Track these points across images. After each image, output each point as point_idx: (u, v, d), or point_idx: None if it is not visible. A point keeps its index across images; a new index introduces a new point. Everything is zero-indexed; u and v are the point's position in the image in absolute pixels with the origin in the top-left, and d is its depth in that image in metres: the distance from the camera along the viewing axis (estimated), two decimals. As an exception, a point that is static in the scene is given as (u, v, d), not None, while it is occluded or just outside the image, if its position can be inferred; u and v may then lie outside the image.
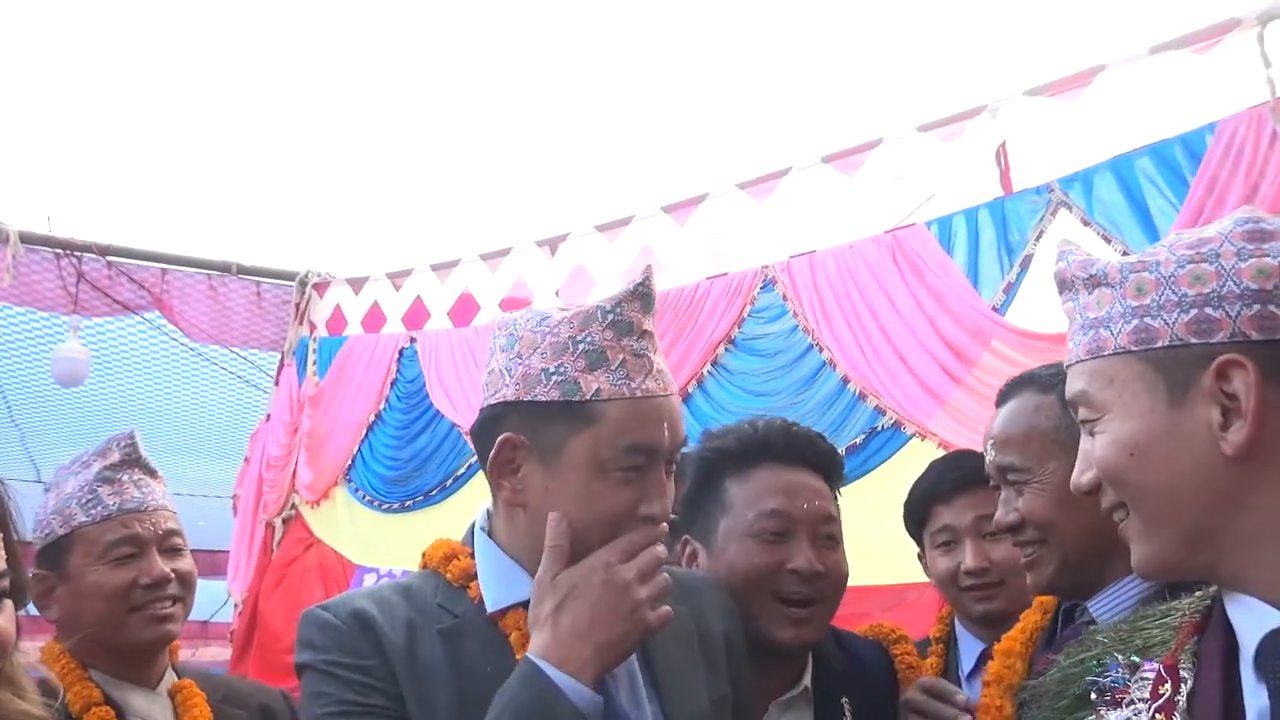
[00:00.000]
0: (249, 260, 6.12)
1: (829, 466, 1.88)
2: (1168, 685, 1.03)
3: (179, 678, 2.10)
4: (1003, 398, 1.75)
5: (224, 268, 6.02)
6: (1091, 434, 1.07)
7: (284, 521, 5.65)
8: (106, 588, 1.96)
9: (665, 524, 1.43)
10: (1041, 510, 1.63)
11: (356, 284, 5.94)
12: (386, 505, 5.25)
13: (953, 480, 2.22)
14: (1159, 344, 1.01)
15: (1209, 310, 1.00)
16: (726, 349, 4.28)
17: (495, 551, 1.46)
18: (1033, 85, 3.82)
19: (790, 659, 1.81)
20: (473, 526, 1.52)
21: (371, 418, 5.46)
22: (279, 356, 6.16)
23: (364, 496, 5.38)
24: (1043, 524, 1.63)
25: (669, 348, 4.42)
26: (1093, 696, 1.09)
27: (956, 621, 2.30)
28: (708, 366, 4.29)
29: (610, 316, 1.41)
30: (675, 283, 4.57)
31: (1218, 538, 1.00)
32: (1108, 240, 3.54)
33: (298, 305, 6.10)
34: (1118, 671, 1.09)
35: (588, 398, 1.37)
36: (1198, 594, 1.12)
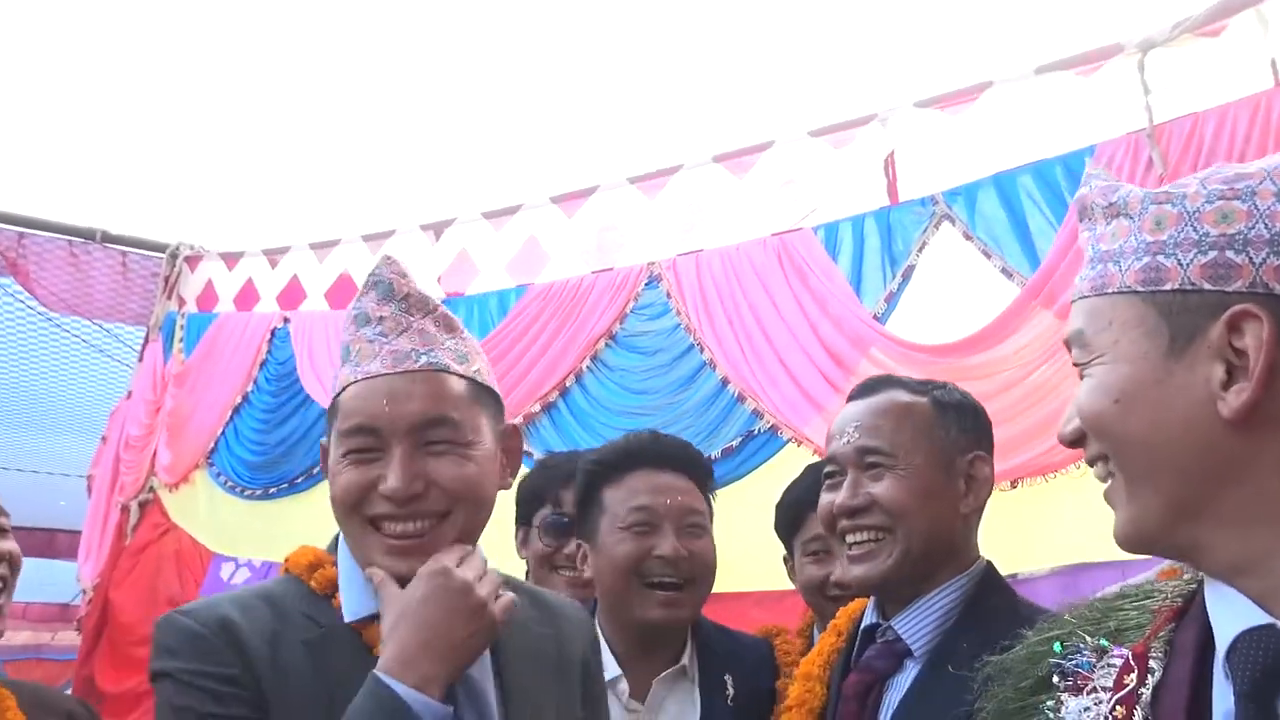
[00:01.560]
0: (116, 228, 5.80)
1: (695, 469, 2.10)
2: (1133, 675, 0.95)
3: None
4: (866, 390, 1.78)
5: (88, 234, 5.67)
6: (1081, 378, 0.98)
7: (140, 505, 5.35)
8: None
9: (408, 499, 1.39)
10: (900, 497, 1.65)
11: (231, 259, 5.68)
12: (249, 491, 5.02)
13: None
14: (1168, 286, 0.90)
15: (1230, 254, 0.87)
16: (607, 345, 4.20)
17: (349, 561, 1.45)
18: (923, 97, 3.84)
19: (666, 640, 2.01)
20: (338, 534, 1.50)
21: (238, 399, 5.21)
22: (144, 331, 5.84)
23: (226, 482, 5.13)
24: (896, 511, 1.64)
25: (550, 340, 4.33)
26: (1054, 679, 1.02)
27: (816, 631, 2.27)
28: (587, 361, 4.21)
29: (354, 313, 1.47)
30: (560, 275, 4.47)
31: (1202, 513, 0.89)
32: (988, 255, 3.57)
33: (167, 279, 5.80)
34: (1084, 655, 1.02)
35: (337, 393, 1.45)
36: (1185, 577, 1.03)
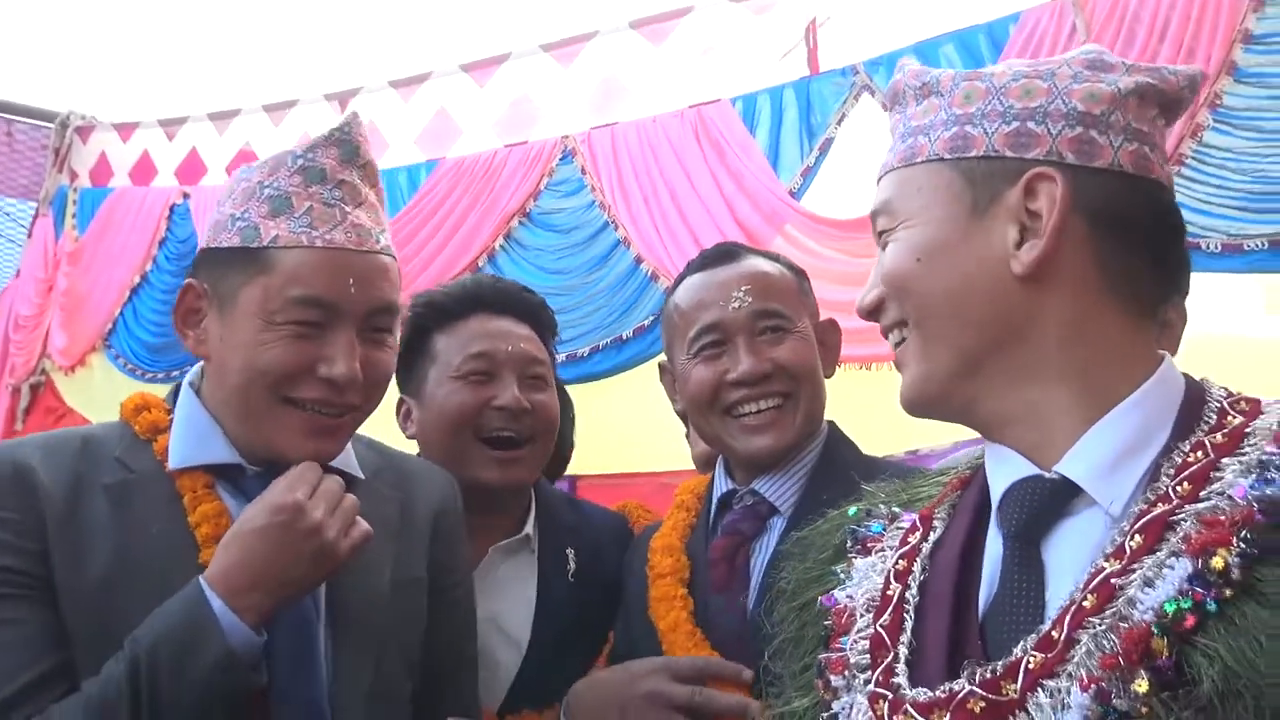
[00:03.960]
0: (1, 94, 5.44)
1: (537, 315, 1.88)
2: (917, 534, 1.03)
3: None
4: (727, 257, 1.69)
5: (-32, 102, 5.33)
6: (883, 246, 1.02)
7: (32, 388, 5.13)
8: None
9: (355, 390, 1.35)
10: (805, 357, 1.61)
11: (125, 130, 5.36)
12: (150, 375, 4.83)
13: None
14: (973, 153, 0.96)
15: (1031, 124, 0.94)
16: (520, 222, 4.05)
17: (196, 407, 1.38)
18: (848, -39, 3.67)
19: (504, 506, 1.80)
20: (179, 383, 1.44)
21: (136, 279, 4.98)
22: (34, 206, 5.53)
23: (125, 364, 4.93)
24: (802, 374, 1.60)
25: (462, 218, 4.17)
26: (847, 545, 1.09)
27: None
28: (500, 240, 4.06)
29: (300, 162, 1.35)
30: (471, 149, 4.28)
31: (985, 368, 0.95)
32: (907, 128, 3.46)
33: (57, 150, 5.48)
34: (877, 521, 1.09)
35: (264, 244, 1.32)
36: (977, 453, 1.08)
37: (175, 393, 1.43)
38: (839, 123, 3.56)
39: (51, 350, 5.13)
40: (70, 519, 1.27)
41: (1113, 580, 0.81)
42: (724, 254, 1.71)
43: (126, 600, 1.24)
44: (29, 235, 5.51)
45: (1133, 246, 0.94)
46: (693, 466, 2.36)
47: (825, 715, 0.98)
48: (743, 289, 1.62)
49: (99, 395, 5.02)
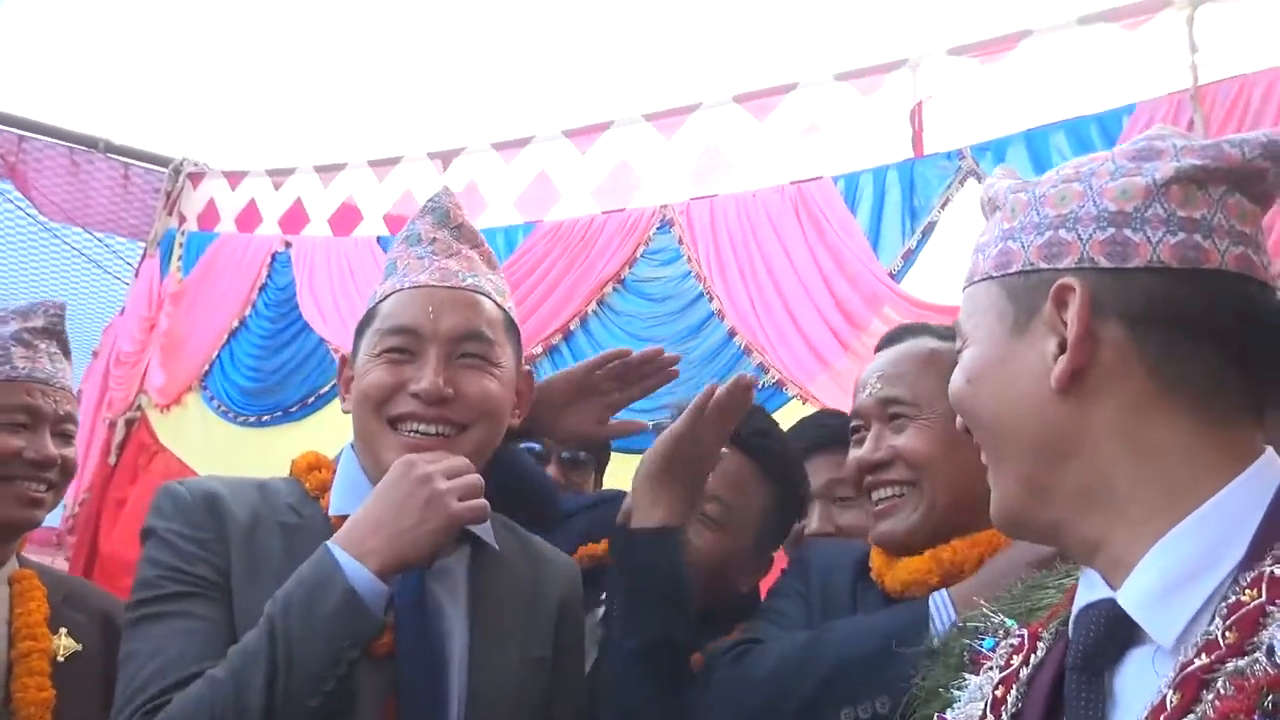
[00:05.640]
0: (119, 138, 5.65)
1: None
2: (1020, 655, 0.98)
3: (20, 567, 1.96)
4: (892, 340, 1.71)
5: (90, 143, 5.53)
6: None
7: (127, 423, 5.26)
8: None
9: (437, 399, 1.48)
10: (923, 448, 1.57)
11: (234, 178, 5.54)
12: (242, 418, 4.94)
13: (812, 438, 2.13)
14: (1014, 269, 0.94)
15: (1062, 232, 0.91)
16: (615, 289, 4.08)
17: (353, 462, 1.55)
18: (956, 44, 3.67)
19: None
20: (340, 452, 1.60)
21: (235, 323, 5.11)
22: (142, 246, 5.72)
23: (219, 406, 5.05)
24: (919, 463, 1.57)
25: (556, 281, 4.21)
26: (966, 658, 1.07)
27: None
28: (593, 305, 4.09)
29: (405, 234, 1.60)
30: (570, 214, 4.33)
31: (1053, 490, 0.91)
32: (1013, 215, 3.42)
33: (169, 194, 5.67)
34: (990, 637, 1.06)
35: (375, 302, 1.57)
36: None
37: (339, 457, 1.60)
38: (943, 206, 3.53)
39: (149, 387, 5.27)
40: (249, 544, 1.43)
41: None
42: (889, 336, 1.75)
43: None
44: (136, 274, 5.69)
45: (1195, 345, 0.86)
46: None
47: None
48: (875, 376, 1.66)
49: (192, 435, 5.14)
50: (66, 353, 2.05)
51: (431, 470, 1.38)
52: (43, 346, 1.96)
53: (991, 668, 1.01)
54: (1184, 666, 0.77)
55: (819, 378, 3.53)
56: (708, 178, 4.09)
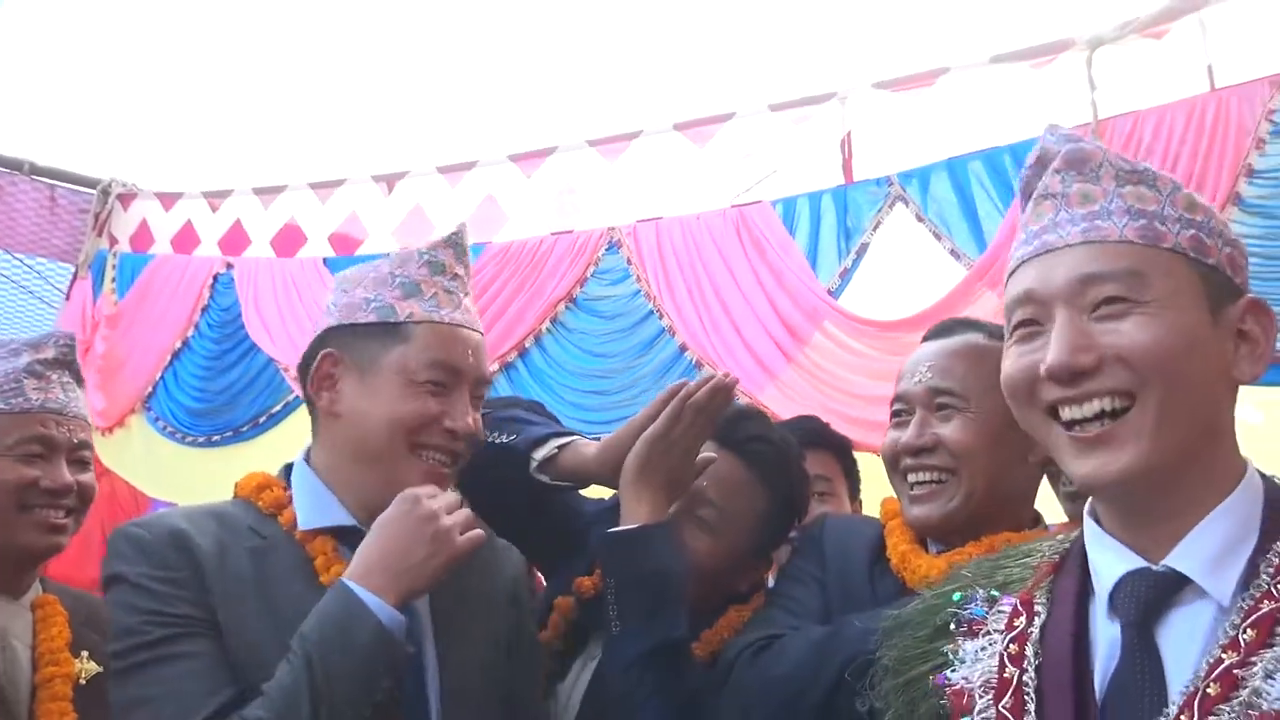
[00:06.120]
0: (44, 160, 5.60)
1: None
2: (1022, 618, 1.09)
3: (44, 592, 2.00)
4: (943, 331, 1.75)
5: (14, 165, 5.48)
6: (1121, 316, 1.03)
7: (72, 449, 5.24)
8: (5, 482, 1.88)
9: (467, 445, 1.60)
10: (968, 440, 1.61)
11: (168, 199, 5.55)
12: (190, 439, 4.99)
13: (797, 438, 2.22)
14: (1209, 261, 1.05)
15: (1229, 250, 1.08)
16: (567, 307, 4.29)
17: (312, 479, 1.58)
18: (881, 79, 3.99)
19: None
20: (288, 465, 1.64)
21: (178, 344, 5.15)
22: (70, 269, 5.68)
23: (165, 427, 5.08)
24: (962, 453, 1.62)
25: (508, 301, 4.39)
26: (952, 627, 1.15)
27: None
28: (546, 323, 4.29)
29: (426, 257, 1.64)
30: (518, 235, 4.52)
31: (1192, 463, 1.03)
32: (938, 237, 3.76)
33: (97, 215, 5.64)
34: (978, 605, 1.15)
35: (402, 319, 1.58)
36: (1059, 538, 1.20)
37: (287, 472, 1.63)
38: (874, 229, 3.85)
39: (89, 411, 5.24)
40: (222, 573, 1.44)
41: (1234, 671, 0.92)
42: (940, 328, 1.79)
43: (278, 644, 1.40)
44: (66, 297, 5.65)
45: None
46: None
47: None
48: (926, 365, 1.70)
49: (136, 456, 5.16)
50: (79, 381, 2.09)
51: (436, 507, 1.46)
52: (54, 377, 2.00)
53: (989, 631, 1.11)
54: (1251, 612, 0.95)
55: (767, 388, 3.80)
56: (651, 201, 4.34)
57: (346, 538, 1.54)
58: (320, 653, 1.35)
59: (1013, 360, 1.10)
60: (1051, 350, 1.03)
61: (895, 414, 1.72)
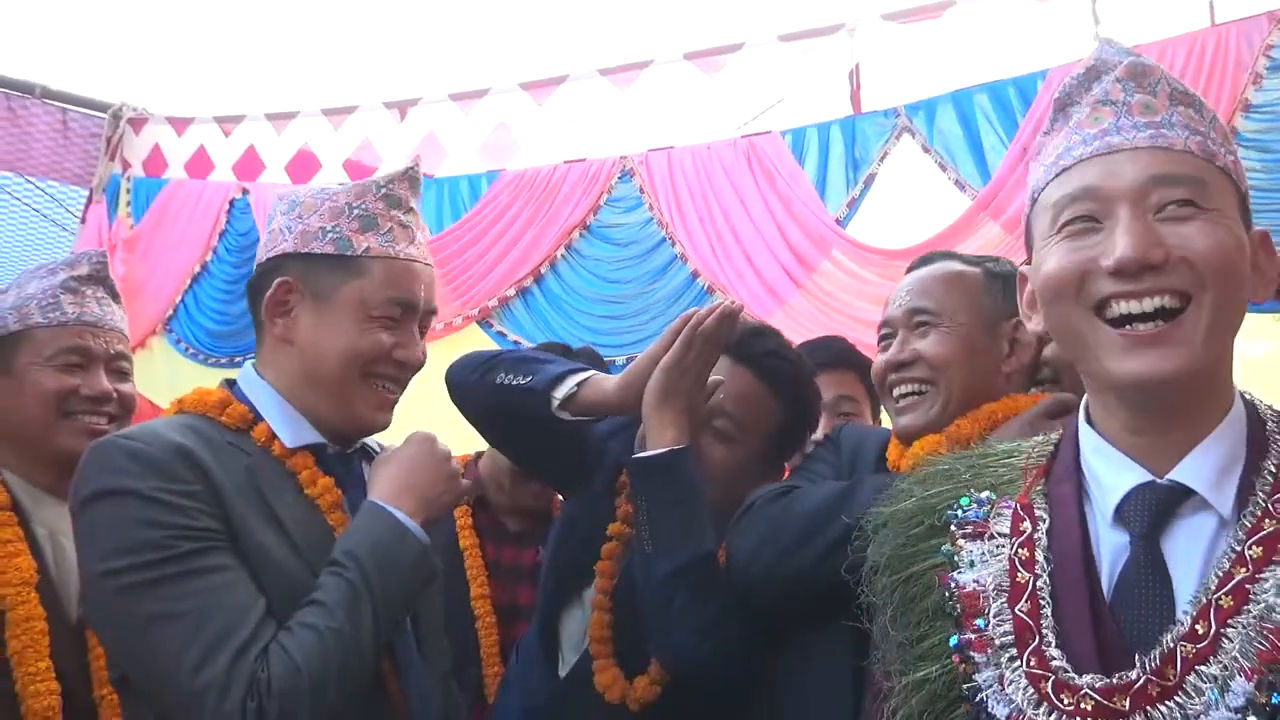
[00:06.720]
0: (56, 84, 5.64)
1: None
2: (1026, 523, 1.11)
3: None
4: (923, 262, 1.86)
5: (26, 89, 5.51)
6: (1186, 219, 1.05)
7: (97, 370, 5.39)
8: (46, 389, 1.95)
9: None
10: (944, 351, 1.72)
11: (179, 124, 5.61)
12: (213, 359, 5.14)
13: (818, 358, 2.33)
14: (1243, 188, 1.10)
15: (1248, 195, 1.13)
16: (581, 234, 4.42)
17: (275, 396, 1.59)
18: (889, 10, 4.07)
19: None
20: (232, 382, 1.63)
21: (197, 268, 5.27)
22: (84, 192, 5.76)
23: (186, 349, 5.23)
24: (939, 364, 1.72)
25: (524, 228, 4.52)
26: (952, 528, 1.16)
27: None
28: (561, 250, 4.42)
29: (383, 190, 1.64)
30: (531, 163, 4.63)
31: (1226, 363, 1.08)
32: (943, 168, 3.89)
33: (109, 139, 5.70)
34: (977, 506, 1.17)
35: (359, 253, 1.59)
36: (1039, 439, 1.22)
37: (231, 385, 1.62)
38: (881, 160, 3.98)
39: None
40: (229, 487, 1.44)
41: (1246, 586, 0.96)
42: (921, 259, 1.88)
43: (291, 553, 1.46)
44: (82, 221, 5.74)
45: None
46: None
47: (965, 686, 1.06)
48: (905, 291, 1.80)
49: (158, 377, 5.29)
50: (115, 297, 2.13)
51: (447, 449, 1.62)
52: (89, 292, 2.05)
53: (993, 535, 1.13)
54: (1254, 530, 1.00)
55: (775, 313, 3.96)
56: (662, 130, 4.44)
57: (317, 454, 1.60)
58: (375, 569, 1.45)
59: (1062, 255, 1.09)
60: (1121, 243, 1.04)
61: (882, 339, 1.83)
